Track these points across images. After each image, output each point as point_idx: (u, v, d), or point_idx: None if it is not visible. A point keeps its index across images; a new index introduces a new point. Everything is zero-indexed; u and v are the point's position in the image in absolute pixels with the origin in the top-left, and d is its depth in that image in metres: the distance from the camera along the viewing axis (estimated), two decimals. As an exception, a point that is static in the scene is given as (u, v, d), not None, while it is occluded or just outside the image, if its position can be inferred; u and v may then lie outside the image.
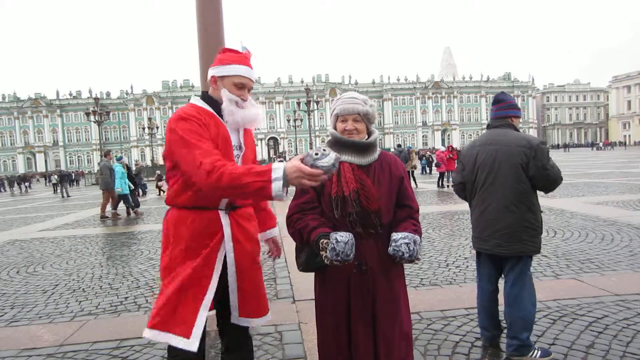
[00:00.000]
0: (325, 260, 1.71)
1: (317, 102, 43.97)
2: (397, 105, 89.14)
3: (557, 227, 6.79)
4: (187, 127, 1.78)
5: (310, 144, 50.45)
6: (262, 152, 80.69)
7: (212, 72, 1.96)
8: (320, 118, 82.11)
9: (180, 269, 1.86)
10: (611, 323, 3.13)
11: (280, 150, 74.36)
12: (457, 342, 2.97)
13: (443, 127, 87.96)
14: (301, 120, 55.04)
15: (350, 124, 1.84)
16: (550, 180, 2.63)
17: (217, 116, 1.91)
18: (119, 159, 11.84)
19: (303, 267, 1.93)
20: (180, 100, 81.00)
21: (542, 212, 2.81)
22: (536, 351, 2.67)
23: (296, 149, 75.09)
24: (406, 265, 5.17)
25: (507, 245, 2.65)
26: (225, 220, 1.91)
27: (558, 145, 78.14)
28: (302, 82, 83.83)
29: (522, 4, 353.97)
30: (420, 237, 1.87)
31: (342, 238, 1.67)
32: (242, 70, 1.93)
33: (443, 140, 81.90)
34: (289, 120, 66.26)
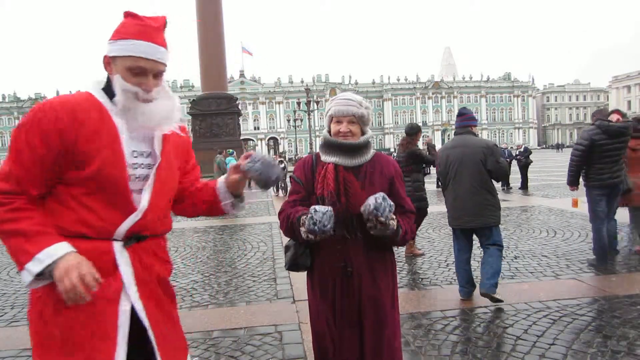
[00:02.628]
0: (303, 235, 1.71)
1: (317, 102, 43.94)
2: (397, 105, 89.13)
3: (557, 227, 6.79)
4: (27, 130, 1.29)
5: (310, 144, 50.48)
6: (262, 152, 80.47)
7: (107, 48, 1.38)
8: (320, 118, 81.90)
9: (58, 341, 1.29)
10: (611, 323, 3.14)
11: (280, 150, 74.34)
12: (457, 342, 2.97)
13: (443, 127, 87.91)
14: (301, 120, 55.02)
15: (345, 126, 1.81)
16: (502, 171, 3.64)
17: (107, 109, 1.36)
18: (231, 154, 13.77)
19: (288, 265, 1.94)
20: (180, 101, 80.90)
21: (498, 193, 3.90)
22: (497, 294, 3.61)
23: (296, 149, 75.02)
24: (406, 265, 5.17)
25: (474, 219, 3.65)
26: (122, 256, 1.36)
27: (558, 145, 77.91)
28: (302, 82, 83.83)
29: (522, 4, 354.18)
30: (409, 232, 1.83)
31: (321, 208, 1.65)
32: (142, 47, 1.33)
33: (443, 140, 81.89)
34: (289, 120, 66.14)
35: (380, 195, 1.67)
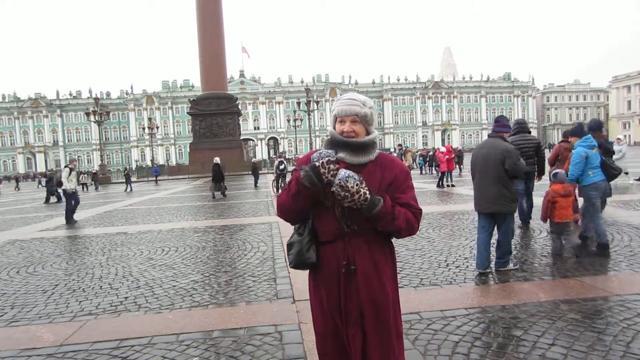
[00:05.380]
0: (303, 178, 1.75)
1: (317, 102, 44.05)
2: (397, 105, 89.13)
3: (557, 227, 6.78)
4: None
5: (310, 144, 50.48)
6: (262, 152, 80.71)
7: None
8: (320, 118, 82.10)
9: None
10: (611, 323, 3.14)
11: (280, 150, 74.40)
12: (457, 342, 2.97)
13: (443, 127, 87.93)
14: (301, 120, 55.07)
15: (348, 126, 1.83)
16: (518, 170, 4.43)
17: None
18: (401, 146, 14.93)
19: (294, 262, 1.90)
20: (180, 100, 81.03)
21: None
22: (510, 263, 4.62)
23: (296, 149, 75.02)
24: (406, 265, 5.18)
25: (491, 206, 4.50)
26: None
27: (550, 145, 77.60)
28: (302, 82, 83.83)
29: (522, 4, 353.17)
30: (402, 219, 1.79)
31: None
32: None
33: (443, 140, 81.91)
34: (289, 120, 66.25)
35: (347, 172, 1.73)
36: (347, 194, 1.69)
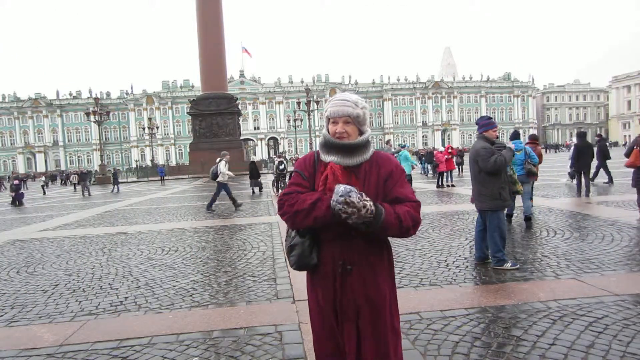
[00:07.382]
0: (334, 206, 1.66)
1: (317, 102, 44.00)
2: (397, 105, 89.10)
3: (557, 227, 6.78)
4: None
5: (310, 144, 50.43)
6: (262, 152, 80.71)
7: None
8: (320, 118, 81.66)
9: None
10: (611, 323, 3.14)
11: (281, 150, 74.37)
12: (457, 342, 2.97)
13: (443, 127, 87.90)
14: (301, 120, 55.08)
15: (341, 127, 1.82)
16: (487, 169, 4.64)
17: None
18: (403, 147, 14.64)
19: (296, 265, 1.89)
20: (180, 100, 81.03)
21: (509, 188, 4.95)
22: (508, 263, 4.65)
23: (296, 149, 75.00)
24: (406, 265, 5.17)
25: (477, 202, 4.90)
26: None
27: (548, 145, 76.76)
28: (302, 82, 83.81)
29: (522, 4, 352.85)
30: (407, 218, 1.75)
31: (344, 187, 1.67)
32: None
33: (443, 140, 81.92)
34: (289, 120, 66.25)
35: (345, 187, 1.66)
36: (354, 209, 1.63)
